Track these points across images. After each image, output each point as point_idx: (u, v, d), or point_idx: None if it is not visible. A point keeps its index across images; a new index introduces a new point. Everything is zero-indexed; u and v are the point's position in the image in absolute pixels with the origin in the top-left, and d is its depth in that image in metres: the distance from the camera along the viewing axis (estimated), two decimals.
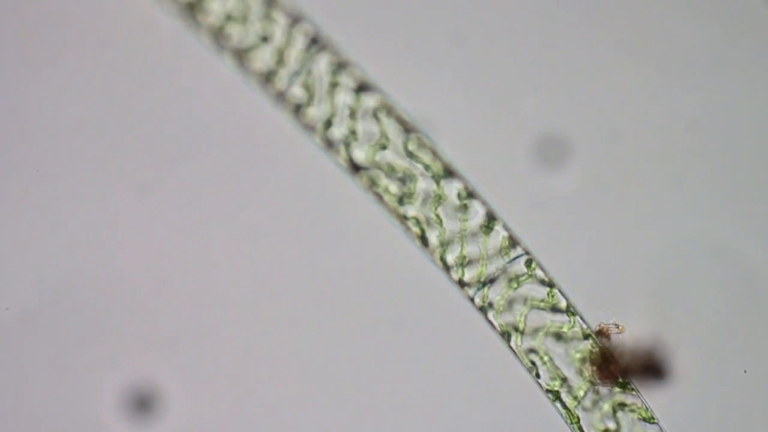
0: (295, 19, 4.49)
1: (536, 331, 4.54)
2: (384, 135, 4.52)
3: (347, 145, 4.52)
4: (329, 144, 4.53)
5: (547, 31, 4.60)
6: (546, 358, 4.53)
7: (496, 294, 4.55)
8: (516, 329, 4.54)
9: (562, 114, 4.57)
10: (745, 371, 4.50)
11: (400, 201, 4.54)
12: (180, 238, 4.56)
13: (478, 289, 4.55)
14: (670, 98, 4.60)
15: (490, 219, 4.54)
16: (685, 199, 4.60)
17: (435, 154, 4.54)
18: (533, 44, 4.60)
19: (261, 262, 4.57)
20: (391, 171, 4.53)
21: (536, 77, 4.59)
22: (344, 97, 4.50)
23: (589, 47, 4.60)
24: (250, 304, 4.56)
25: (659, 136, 4.59)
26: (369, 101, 4.51)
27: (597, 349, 4.52)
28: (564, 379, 4.53)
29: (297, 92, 4.50)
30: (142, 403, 4.55)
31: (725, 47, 4.59)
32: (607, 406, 4.52)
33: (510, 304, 4.54)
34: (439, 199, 4.53)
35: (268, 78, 4.50)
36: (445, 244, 4.54)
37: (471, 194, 4.55)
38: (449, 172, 4.54)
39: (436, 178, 4.54)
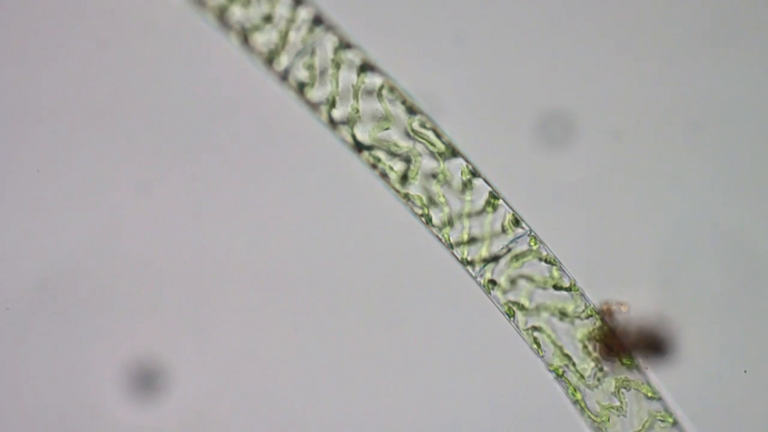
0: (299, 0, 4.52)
1: (540, 309, 4.55)
2: (388, 114, 4.54)
3: (351, 124, 4.54)
4: (333, 123, 4.55)
5: (553, 7, 4.62)
6: (550, 336, 4.54)
7: (499, 272, 4.55)
8: (520, 307, 4.55)
9: (567, 92, 4.59)
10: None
11: (404, 179, 4.56)
12: (184, 215, 4.58)
13: (482, 268, 4.56)
14: (677, 77, 4.62)
15: (494, 197, 4.56)
16: (690, 177, 4.61)
17: (438, 133, 4.56)
18: (539, 22, 4.62)
19: (265, 238, 4.58)
20: (394, 150, 4.55)
21: (541, 55, 4.60)
22: (348, 77, 4.52)
23: (596, 24, 4.62)
24: (255, 278, 4.57)
25: (666, 115, 4.60)
26: (373, 80, 4.53)
27: (601, 327, 4.52)
28: (568, 357, 4.53)
29: (301, 72, 4.52)
30: (147, 380, 4.56)
31: (730, 24, 4.61)
32: (611, 384, 4.52)
33: (514, 282, 4.55)
34: (442, 177, 4.55)
35: (272, 57, 4.52)
36: (448, 223, 4.55)
37: (474, 173, 4.57)
38: (453, 151, 4.56)
39: (440, 157, 4.55)
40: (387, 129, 4.55)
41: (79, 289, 4.58)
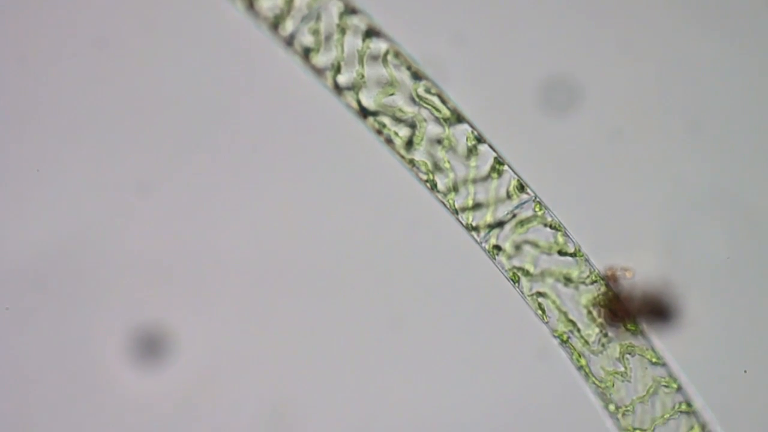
0: None
1: (545, 275, 4.55)
2: (393, 79, 4.54)
3: (356, 90, 4.54)
4: (339, 88, 4.55)
5: None
6: (555, 302, 4.54)
7: (504, 238, 4.56)
8: (525, 273, 4.56)
9: (572, 57, 4.59)
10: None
11: (409, 145, 4.56)
12: (186, 180, 4.58)
13: (487, 233, 4.57)
14: (683, 45, 4.62)
15: (499, 163, 4.56)
16: (694, 143, 4.62)
17: (443, 98, 4.56)
18: None
19: (269, 203, 4.59)
20: (399, 115, 4.55)
21: (547, 19, 4.61)
22: (353, 42, 4.52)
23: None
24: (258, 242, 4.57)
25: (672, 81, 4.61)
26: (378, 46, 4.53)
27: (606, 292, 4.53)
28: (573, 323, 4.54)
29: (306, 37, 4.52)
30: (150, 345, 4.56)
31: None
32: (615, 349, 4.53)
33: (519, 248, 4.56)
34: (447, 143, 4.55)
35: (277, 22, 4.52)
36: (453, 189, 4.55)
37: (479, 139, 4.57)
38: (458, 117, 4.56)
39: (445, 123, 4.56)
40: (392, 95, 4.55)
41: (84, 260, 4.58)
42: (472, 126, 4.57)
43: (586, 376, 4.54)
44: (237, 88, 4.59)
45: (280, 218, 4.61)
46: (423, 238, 4.62)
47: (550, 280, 4.56)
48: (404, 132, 4.57)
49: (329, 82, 4.55)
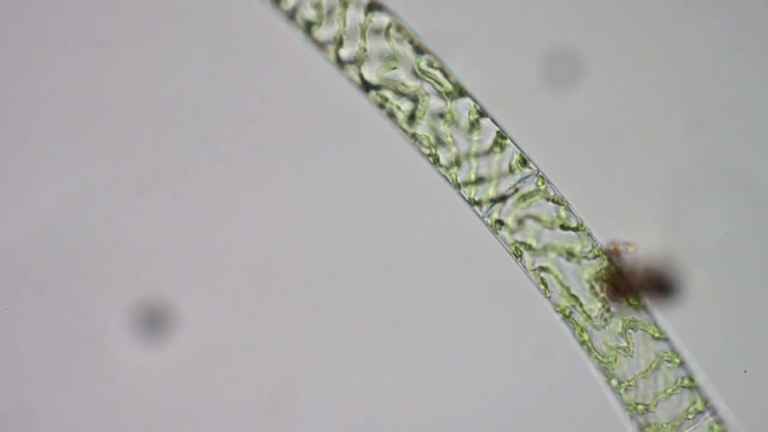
0: None
1: (547, 249, 4.54)
2: (395, 53, 4.53)
3: (359, 64, 4.53)
4: (341, 62, 4.54)
5: None
6: (557, 277, 4.54)
7: (507, 212, 4.55)
8: (527, 248, 4.55)
9: (575, 30, 4.58)
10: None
11: (411, 119, 4.55)
12: (189, 162, 4.59)
13: (490, 208, 4.56)
14: (691, 16, 4.61)
15: (501, 137, 4.55)
16: (698, 118, 4.61)
17: (445, 72, 4.55)
18: None
19: (272, 177, 4.59)
20: (402, 89, 4.54)
21: None
22: (355, 16, 4.51)
23: None
24: (261, 216, 4.58)
25: (676, 56, 4.60)
26: (380, 19, 4.52)
27: (608, 267, 4.52)
28: (575, 298, 4.53)
29: (308, 11, 4.51)
30: (153, 321, 4.56)
31: None
32: (618, 324, 4.52)
33: (521, 222, 4.55)
34: (450, 117, 4.54)
35: None
36: (456, 163, 4.55)
37: (482, 113, 4.56)
38: (460, 91, 4.55)
39: (447, 97, 4.55)
40: (394, 68, 4.54)
41: (88, 234, 4.59)
42: (474, 100, 4.56)
43: (589, 351, 4.54)
44: (238, 63, 4.59)
45: (282, 196, 4.61)
46: (425, 213, 4.61)
47: (552, 255, 4.55)
48: (406, 106, 4.56)
49: (331, 56, 4.54)
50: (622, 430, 4.54)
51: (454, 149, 4.55)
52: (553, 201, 4.56)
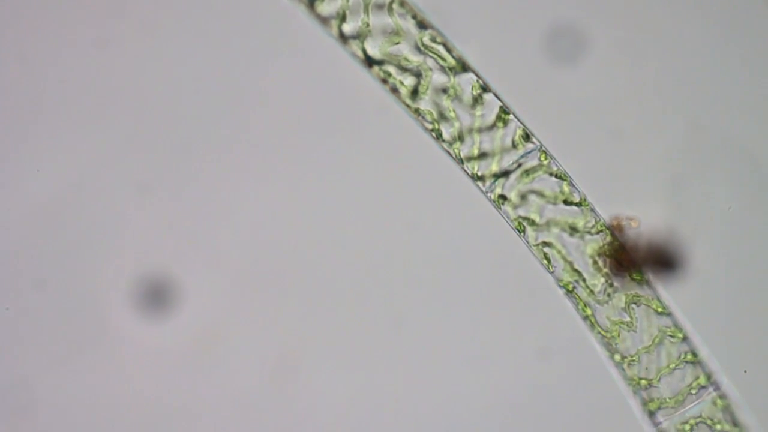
0: None
1: (550, 224, 4.54)
2: (398, 28, 4.53)
3: (362, 39, 4.53)
4: (344, 37, 4.54)
5: None
6: (560, 252, 4.54)
7: (510, 187, 4.55)
8: (530, 223, 4.55)
9: (577, 5, 4.59)
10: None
11: (414, 94, 4.55)
12: (191, 145, 4.58)
13: (493, 183, 4.56)
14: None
15: (505, 112, 4.55)
16: (701, 92, 4.61)
17: (449, 47, 4.56)
18: None
19: (274, 156, 4.59)
20: (405, 64, 4.54)
21: None
22: None
23: None
24: (265, 187, 4.58)
25: (680, 28, 4.60)
26: None
27: (611, 242, 4.52)
28: (578, 273, 4.54)
29: None
30: (156, 295, 4.56)
31: None
32: (621, 299, 4.52)
33: (524, 197, 4.55)
34: (453, 92, 4.55)
35: None
36: (459, 138, 4.55)
37: (485, 88, 4.56)
38: (463, 66, 4.55)
39: (450, 72, 4.55)
40: (397, 43, 4.54)
41: (92, 205, 4.59)
42: (477, 75, 4.56)
43: (592, 326, 4.54)
44: (240, 39, 4.59)
45: (284, 174, 4.61)
46: (426, 188, 4.61)
47: (555, 230, 4.55)
48: (409, 81, 4.56)
49: (334, 31, 4.54)
50: (626, 405, 4.53)
51: (457, 124, 4.56)
52: (556, 176, 4.56)
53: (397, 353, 4.58)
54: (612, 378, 4.53)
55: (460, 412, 4.56)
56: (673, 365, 4.52)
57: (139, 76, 4.59)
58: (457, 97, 4.55)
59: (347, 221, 4.58)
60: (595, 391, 4.57)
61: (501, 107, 4.56)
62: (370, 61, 4.55)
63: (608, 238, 4.54)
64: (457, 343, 4.57)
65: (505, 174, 4.56)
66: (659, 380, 4.51)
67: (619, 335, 4.52)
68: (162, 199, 4.56)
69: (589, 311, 4.54)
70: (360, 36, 4.54)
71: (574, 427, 4.56)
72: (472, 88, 4.55)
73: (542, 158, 4.56)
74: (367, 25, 4.53)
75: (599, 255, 4.53)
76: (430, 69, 4.56)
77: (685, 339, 4.53)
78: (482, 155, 4.56)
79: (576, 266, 4.54)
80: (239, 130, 4.59)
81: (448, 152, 4.57)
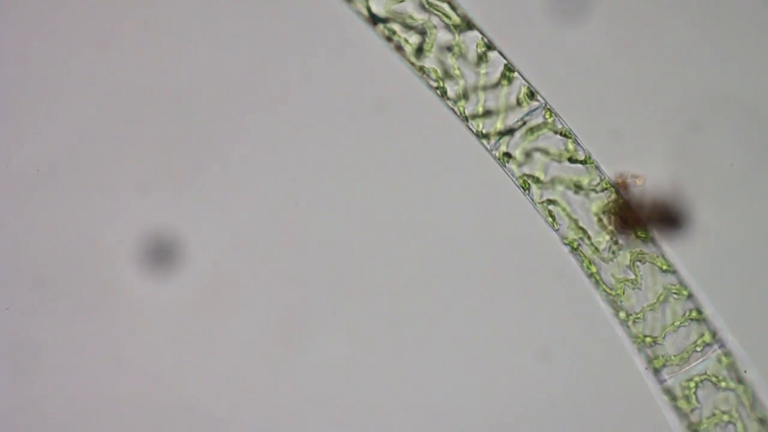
0: None
1: (555, 182, 4.55)
2: None
3: None
4: None
5: None
6: (565, 210, 4.54)
7: (514, 145, 4.56)
8: (535, 180, 4.55)
9: None
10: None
11: (419, 52, 4.56)
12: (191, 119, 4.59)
13: (497, 141, 4.56)
14: None
15: (509, 70, 4.56)
16: (705, 49, 4.61)
17: (453, 5, 4.56)
18: None
19: (277, 108, 4.60)
20: (409, 22, 4.54)
21: None
22: None
23: None
24: (268, 145, 4.59)
25: None
26: None
27: (616, 199, 4.53)
28: (583, 231, 4.54)
29: None
30: (161, 253, 4.56)
31: None
32: (626, 257, 4.53)
33: (529, 155, 4.56)
34: (458, 50, 4.55)
35: None
36: (463, 96, 4.55)
37: (489, 46, 4.56)
38: (468, 24, 4.56)
39: (455, 30, 4.55)
40: (402, 1, 4.54)
41: (95, 164, 4.60)
42: (482, 33, 4.56)
43: (597, 283, 4.54)
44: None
45: (287, 133, 4.62)
46: (431, 146, 4.62)
47: (560, 188, 4.55)
48: (414, 39, 4.56)
49: None
50: (630, 362, 4.54)
51: (461, 82, 4.56)
52: (560, 134, 4.56)
53: (403, 345, 4.60)
54: (617, 335, 4.54)
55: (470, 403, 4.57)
56: (678, 323, 4.52)
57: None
58: (461, 55, 4.56)
59: (347, 177, 4.60)
60: (600, 348, 4.58)
61: (506, 65, 4.56)
62: (374, 19, 4.55)
63: (613, 196, 4.54)
64: (462, 336, 4.59)
65: (510, 132, 4.57)
66: (664, 338, 4.51)
67: (624, 293, 4.53)
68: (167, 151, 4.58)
69: (594, 269, 4.54)
70: None
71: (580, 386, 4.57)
72: (476, 46, 4.56)
73: (547, 116, 4.56)
74: None
75: (604, 212, 4.54)
76: (435, 27, 4.56)
77: (690, 296, 4.53)
78: (487, 113, 4.56)
79: (581, 224, 4.55)
80: (243, 100, 4.61)
81: (453, 110, 4.57)
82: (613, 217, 4.54)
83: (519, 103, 4.56)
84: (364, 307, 4.58)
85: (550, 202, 4.56)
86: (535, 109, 4.56)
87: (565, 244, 4.56)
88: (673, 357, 4.51)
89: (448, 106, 4.57)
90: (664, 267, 4.53)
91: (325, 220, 4.59)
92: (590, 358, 4.56)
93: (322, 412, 4.53)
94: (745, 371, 4.48)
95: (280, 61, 4.60)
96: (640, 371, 4.52)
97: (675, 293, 4.53)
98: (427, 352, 4.56)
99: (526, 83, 4.56)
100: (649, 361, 4.52)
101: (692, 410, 4.49)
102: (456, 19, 4.55)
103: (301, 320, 4.57)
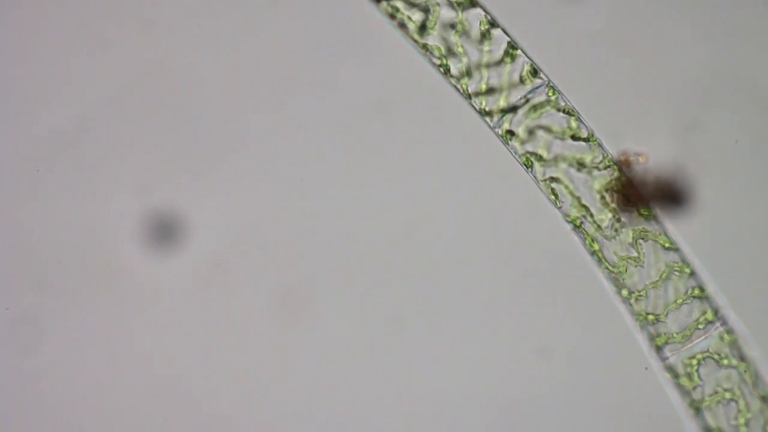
0: None
1: (558, 160, 4.55)
2: None
3: None
4: None
5: None
6: (568, 187, 4.54)
7: (517, 123, 4.56)
8: (538, 158, 4.56)
9: None
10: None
11: (422, 30, 4.56)
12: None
13: (500, 118, 4.57)
14: None
15: (512, 48, 4.56)
16: (709, 26, 4.61)
17: None
18: None
19: (280, 87, 4.60)
20: (412, 0, 4.55)
21: None
22: None
23: None
24: (272, 128, 4.60)
25: None
26: None
27: (619, 177, 4.53)
28: (586, 208, 4.54)
29: None
30: (164, 231, 4.57)
31: None
32: (628, 235, 4.53)
33: (532, 133, 4.56)
34: (461, 28, 4.55)
35: None
36: (466, 73, 4.55)
37: (493, 23, 4.57)
38: (471, 1, 4.56)
39: (458, 7, 4.56)
40: None
41: (98, 141, 4.60)
42: (485, 10, 4.57)
43: (599, 261, 4.55)
44: None
45: (291, 110, 4.63)
46: (435, 123, 4.63)
47: (563, 165, 4.56)
48: (417, 16, 4.56)
49: None
50: (633, 340, 4.55)
51: (465, 60, 4.56)
52: (563, 111, 4.57)
53: (403, 343, 4.60)
54: (620, 313, 4.55)
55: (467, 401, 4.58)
56: (680, 300, 4.53)
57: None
58: (465, 33, 4.56)
59: (348, 157, 4.60)
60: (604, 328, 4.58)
61: (509, 42, 4.56)
62: None
63: (616, 174, 4.54)
64: (463, 332, 4.59)
65: (513, 109, 4.57)
66: (666, 315, 4.52)
67: (626, 270, 4.53)
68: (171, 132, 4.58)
69: (596, 246, 4.55)
70: None
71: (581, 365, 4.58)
72: (480, 24, 4.56)
73: (550, 94, 4.56)
74: None
75: (607, 190, 4.54)
76: (438, 4, 4.56)
77: (692, 274, 4.54)
78: (490, 91, 4.56)
79: (584, 201, 4.55)
80: (248, 80, 4.61)
81: (456, 88, 4.57)
82: (615, 195, 4.54)
83: (522, 81, 4.57)
84: (365, 301, 4.58)
85: (553, 179, 4.56)
86: (538, 87, 4.57)
87: (568, 222, 4.56)
88: (675, 334, 4.52)
89: (451, 83, 4.57)
90: (667, 245, 4.53)
91: (329, 207, 4.59)
92: (595, 348, 4.56)
93: (323, 397, 4.54)
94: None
95: (286, 52, 4.61)
96: (643, 348, 4.53)
97: (677, 271, 4.53)
98: (429, 340, 4.57)
99: (529, 60, 4.56)
100: (652, 338, 4.53)
101: (694, 388, 4.50)
102: None
103: (301, 321, 4.58)
